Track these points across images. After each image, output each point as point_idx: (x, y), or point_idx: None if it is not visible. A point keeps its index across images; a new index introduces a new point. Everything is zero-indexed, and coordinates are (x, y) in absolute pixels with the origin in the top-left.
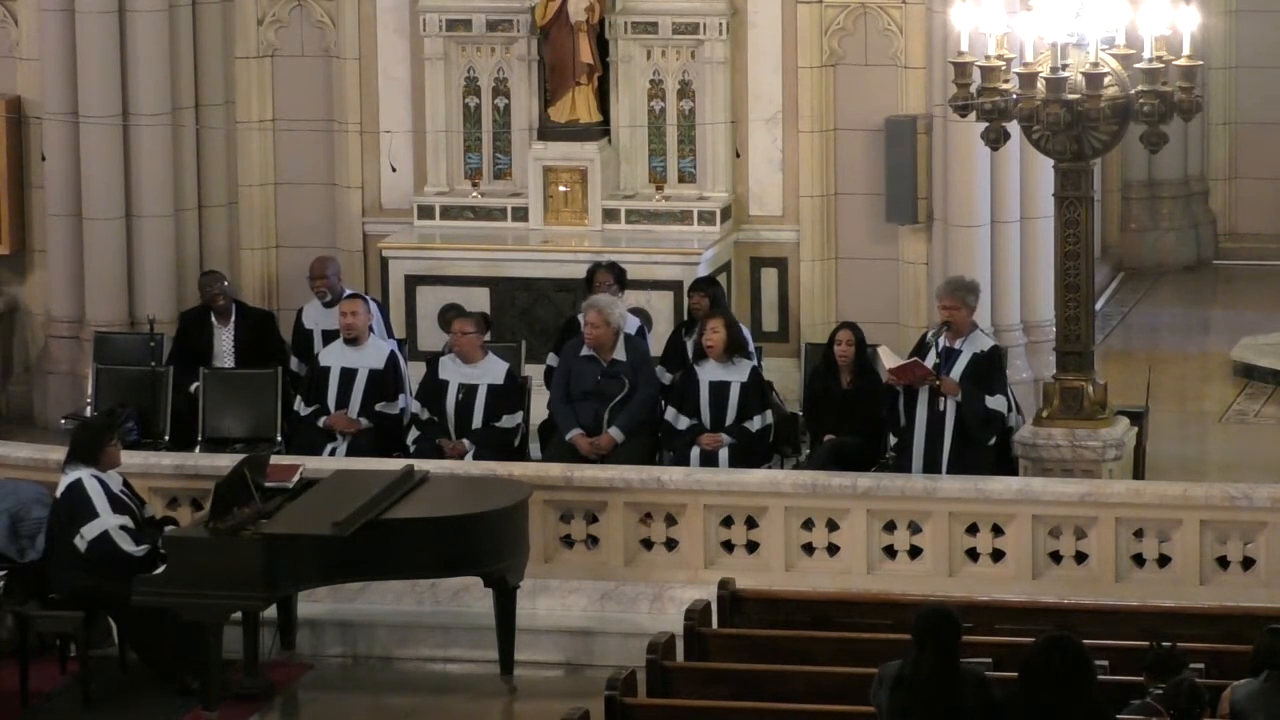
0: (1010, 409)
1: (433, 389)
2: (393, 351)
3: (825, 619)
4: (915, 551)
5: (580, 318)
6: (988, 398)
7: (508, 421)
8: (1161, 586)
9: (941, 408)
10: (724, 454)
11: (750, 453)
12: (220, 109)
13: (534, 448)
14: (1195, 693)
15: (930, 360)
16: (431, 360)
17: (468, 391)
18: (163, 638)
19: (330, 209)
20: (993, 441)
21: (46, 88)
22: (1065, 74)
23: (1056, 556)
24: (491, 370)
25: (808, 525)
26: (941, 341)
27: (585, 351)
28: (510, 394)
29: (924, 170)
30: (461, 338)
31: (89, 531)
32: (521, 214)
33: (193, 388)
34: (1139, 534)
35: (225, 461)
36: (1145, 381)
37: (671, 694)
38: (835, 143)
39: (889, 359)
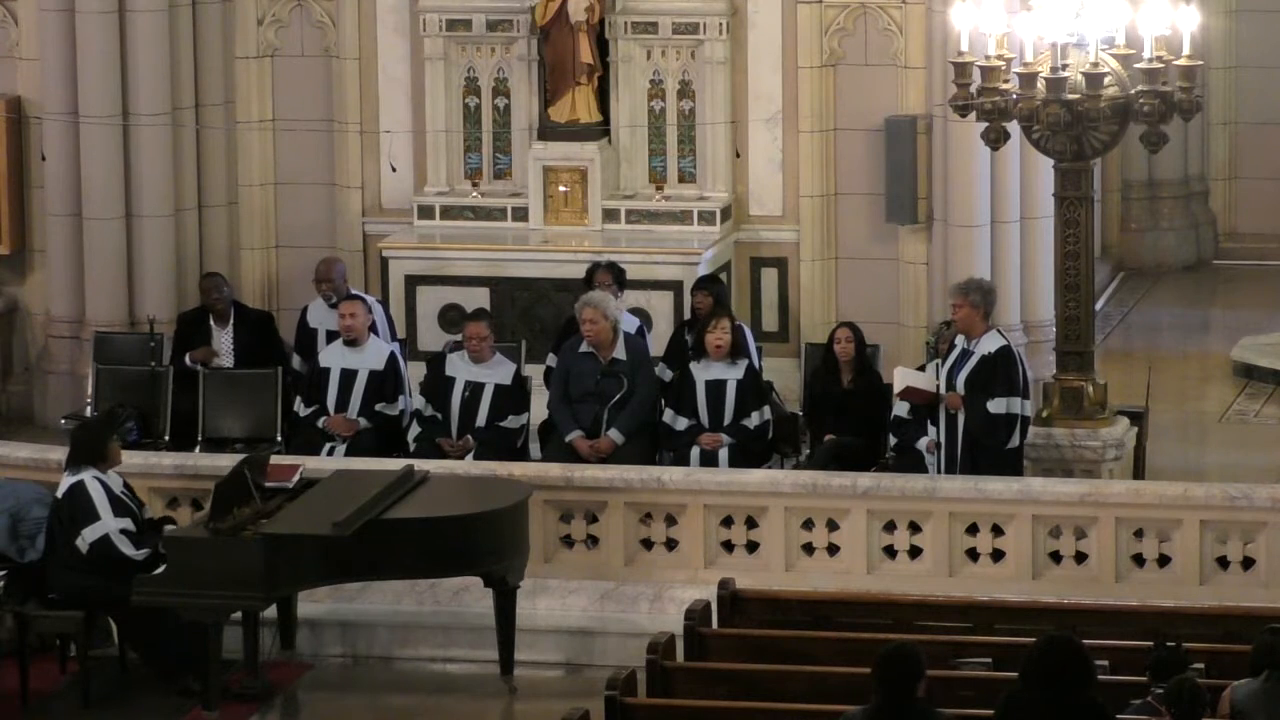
0: (1021, 410)
1: (439, 385)
2: (393, 353)
3: (825, 619)
4: (915, 551)
5: (576, 316)
6: (989, 402)
7: (513, 422)
8: (1161, 586)
9: (954, 411)
10: (724, 454)
11: (750, 451)
12: (220, 109)
13: (534, 448)
14: (1196, 692)
15: (948, 362)
16: (437, 357)
17: (474, 390)
18: (163, 638)
19: (330, 209)
20: (1015, 444)
21: (46, 88)
22: (1065, 74)
23: (1056, 556)
24: (499, 370)
25: (808, 525)
26: (957, 342)
27: (584, 349)
28: (516, 395)
29: (924, 170)
30: (480, 342)
31: (90, 534)
32: (521, 214)
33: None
34: (1139, 534)
35: (225, 461)
36: (1145, 381)
37: (671, 694)
38: (835, 143)
39: (901, 380)
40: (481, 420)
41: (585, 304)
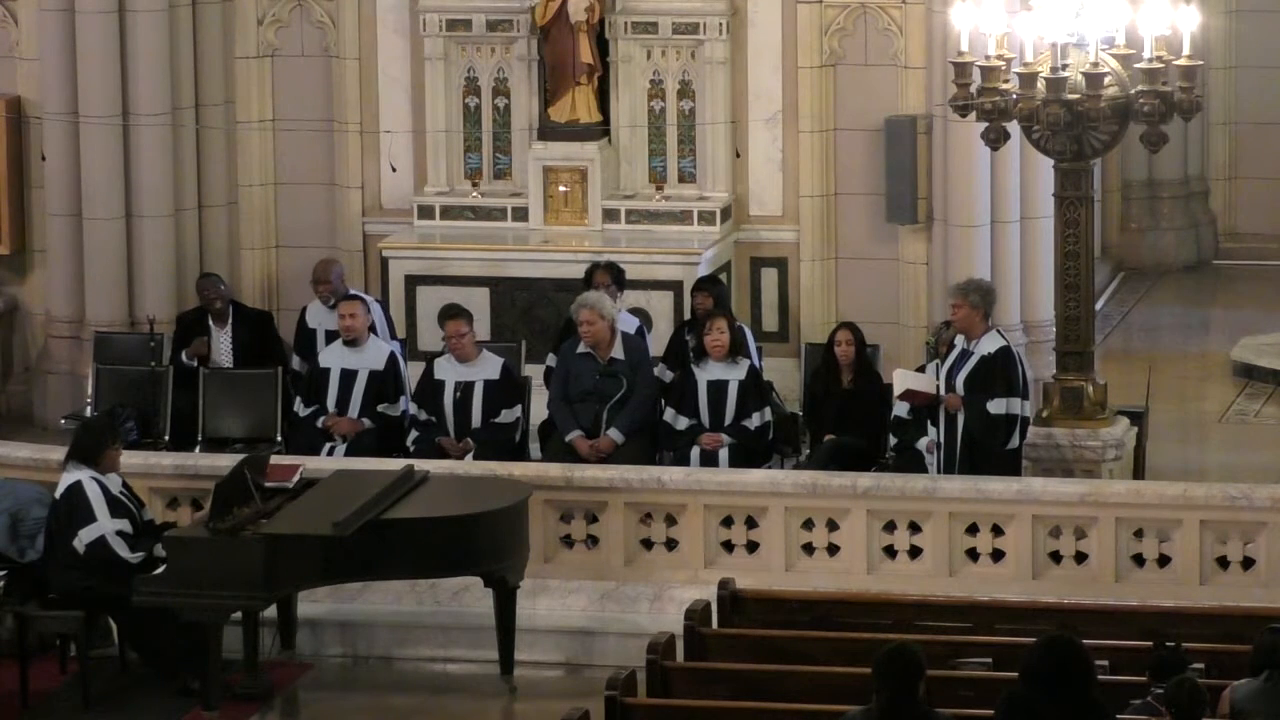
0: (1020, 410)
1: (429, 390)
2: (393, 353)
3: (825, 619)
4: (915, 551)
5: (573, 318)
6: (989, 403)
7: (506, 416)
8: (1161, 586)
9: (954, 412)
10: (724, 454)
11: (750, 451)
12: (220, 109)
13: (534, 448)
14: (1196, 692)
15: (948, 362)
16: (427, 362)
17: (465, 389)
18: (163, 638)
19: (330, 209)
20: (1014, 445)
21: (46, 88)
22: (1065, 74)
23: (1056, 556)
24: (487, 367)
25: (808, 525)
26: (957, 342)
27: (582, 349)
28: (507, 388)
29: (924, 170)
30: (460, 340)
31: (86, 535)
32: (521, 214)
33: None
34: (1139, 534)
35: (225, 461)
36: (1145, 381)
37: (671, 694)
38: (835, 143)
39: (900, 382)
40: (477, 419)
41: (581, 305)
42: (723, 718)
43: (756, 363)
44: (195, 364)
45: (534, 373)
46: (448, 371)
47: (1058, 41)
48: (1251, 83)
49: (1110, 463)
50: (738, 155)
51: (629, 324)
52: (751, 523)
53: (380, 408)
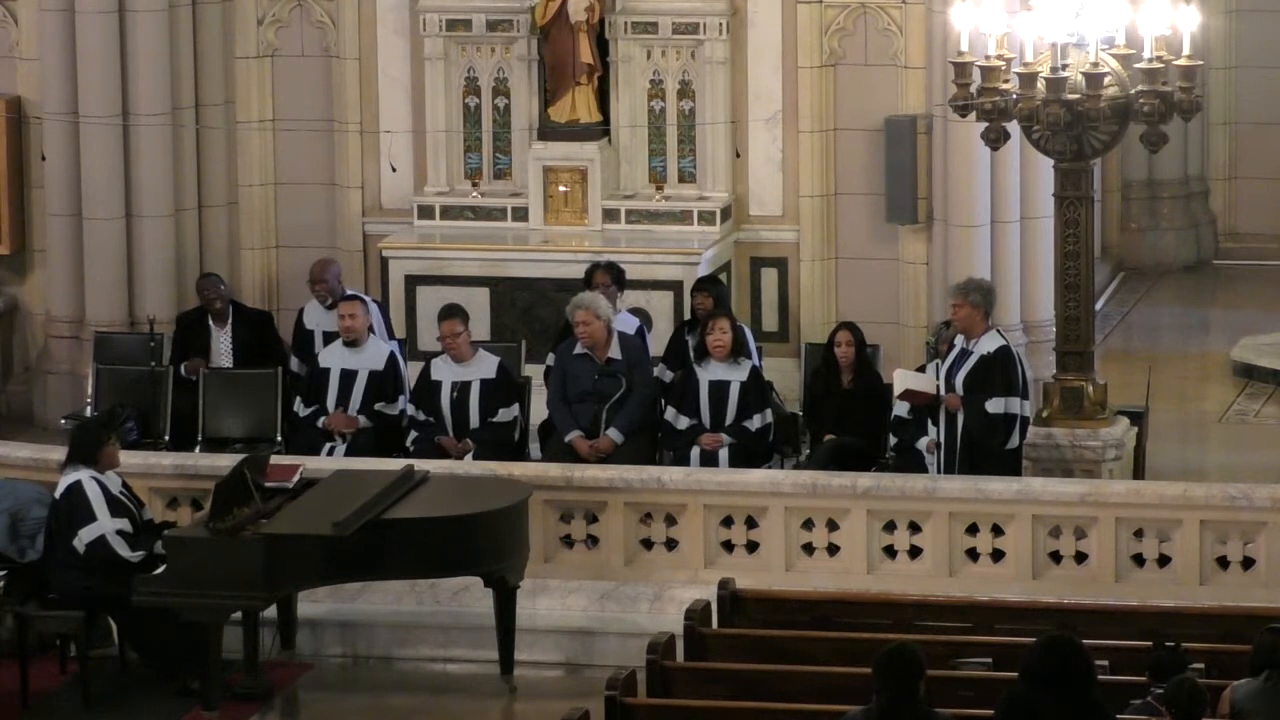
0: (1020, 410)
1: (426, 391)
2: (392, 353)
3: (825, 619)
4: (915, 551)
5: (569, 320)
6: (988, 402)
7: (504, 415)
8: (1161, 586)
9: (954, 411)
10: (724, 454)
11: (750, 452)
12: (220, 109)
13: (534, 448)
14: (1196, 692)
15: (947, 362)
16: (424, 363)
17: (461, 389)
18: (163, 638)
19: (330, 209)
20: (1014, 444)
21: (46, 88)
22: (1065, 74)
23: (1056, 556)
24: (483, 366)
25: (808, 525)
26: (957, 342)
27: (579, 350)
28: (504, 387)
29: (924, 170)
30: (454, 340)
31: (86, 534)
32: (521, 214)
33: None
34: (1139, 534)
35: (225, 461)
36: (1145, 381)
37: (671, 694)
38: (835, 143)
39: (900, 382)
40: (475, 419)
41: (576, 306)
42: (723, 718)
43: (757, 363)
44: (194, 379)
45: (534, 373)
46: (444, 372)
47: (1058, 41)
48: (1251, 83)
49: (1110, 463)
50: (738, 155)
51: (629, 324)
52: (751, 523)
53: (378, 406)
